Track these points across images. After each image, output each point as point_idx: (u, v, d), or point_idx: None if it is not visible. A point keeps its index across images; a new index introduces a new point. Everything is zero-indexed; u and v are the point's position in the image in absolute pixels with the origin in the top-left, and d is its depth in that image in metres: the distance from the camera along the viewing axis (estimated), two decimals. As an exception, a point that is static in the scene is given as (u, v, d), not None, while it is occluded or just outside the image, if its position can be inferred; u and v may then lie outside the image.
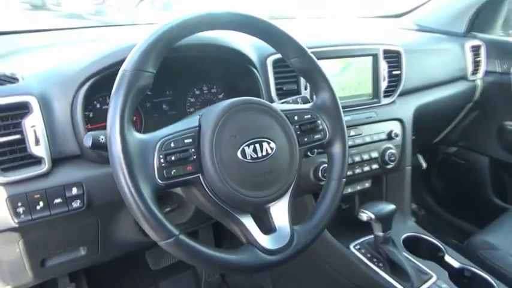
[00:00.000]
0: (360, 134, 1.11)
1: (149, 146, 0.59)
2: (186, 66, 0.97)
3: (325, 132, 0.76)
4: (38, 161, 0.72)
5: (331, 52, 1.07)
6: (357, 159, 1.10)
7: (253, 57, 0.96)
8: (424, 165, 1.69)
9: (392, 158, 1.14)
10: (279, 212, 0.69)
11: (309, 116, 0.75)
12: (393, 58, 1.15)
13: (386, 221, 0.97)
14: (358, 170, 1.11)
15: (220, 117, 0.63)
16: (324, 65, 1.06)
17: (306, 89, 1.03)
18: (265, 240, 0.65)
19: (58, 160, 0.75)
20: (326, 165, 1.01)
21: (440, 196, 1.86)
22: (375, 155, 1.13)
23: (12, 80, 0.75)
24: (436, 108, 1.39)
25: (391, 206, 0.97)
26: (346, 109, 1.10)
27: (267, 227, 0.68)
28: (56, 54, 0.90)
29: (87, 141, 0.60)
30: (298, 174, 0.71)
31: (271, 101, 0.99)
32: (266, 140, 0.66)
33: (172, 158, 0.59)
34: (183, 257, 0.59)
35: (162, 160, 0.59)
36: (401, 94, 1.20)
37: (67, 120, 0.75)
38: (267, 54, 0.98)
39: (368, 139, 1.12)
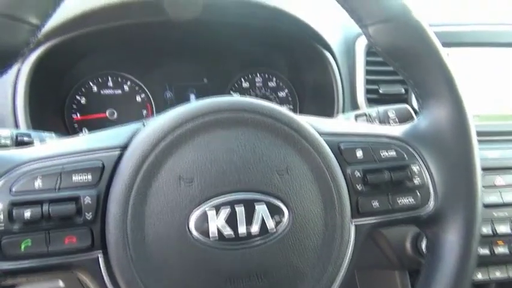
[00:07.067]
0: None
1: None
2: (232, 44, 0.65)
3: (427, 193, 0.34)
4: None
5: (477, 35, 0.61)
6: (503, 229, 0.62)
7: (330, 35, 0.60)
8: None
9: None
10: None
11: (393, 153, 0.34)
12: None
13: None
14: (501, 249, 0.63)
15: (166, 133, 0.29)
16: (462, 57, 0.63)
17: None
18: None
19: None
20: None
21: None
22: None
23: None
24: None
25: None
26: (496, 137, 0.64)
27: None
28: None
29: None
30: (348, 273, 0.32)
31: (356, 108, 0.60)
32: (263, 199, 0.29)
33: (27, 214, 0.27)
34: None
35: (1, 216, 0.27)
36: None
37: (7, 98, 0.51)
38: (358, 33, 0.59)
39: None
